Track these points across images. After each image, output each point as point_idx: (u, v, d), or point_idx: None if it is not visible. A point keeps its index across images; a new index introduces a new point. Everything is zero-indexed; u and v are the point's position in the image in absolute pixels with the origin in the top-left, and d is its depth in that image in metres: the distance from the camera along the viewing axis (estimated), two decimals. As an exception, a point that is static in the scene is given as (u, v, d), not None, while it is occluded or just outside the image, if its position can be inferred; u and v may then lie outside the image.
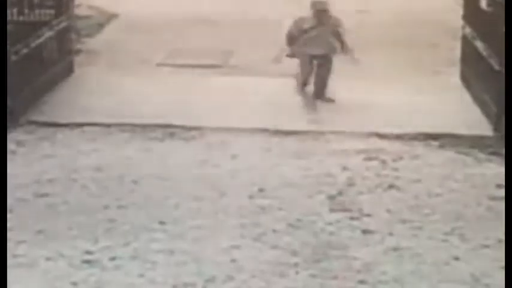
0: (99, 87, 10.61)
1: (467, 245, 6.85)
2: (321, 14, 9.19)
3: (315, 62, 9.46)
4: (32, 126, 9.27)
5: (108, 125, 9.26)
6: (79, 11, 13.23)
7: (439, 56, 11.79)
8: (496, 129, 9.04)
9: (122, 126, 9.24)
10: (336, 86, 10.60)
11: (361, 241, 6.90)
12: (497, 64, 9.01)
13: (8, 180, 7.00)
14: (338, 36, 9.35)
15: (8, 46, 8.66)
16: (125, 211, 7.36)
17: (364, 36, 12.63)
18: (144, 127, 9.23)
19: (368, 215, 7.20)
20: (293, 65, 11.82)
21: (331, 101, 9.49)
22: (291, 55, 9.47)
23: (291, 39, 9.36)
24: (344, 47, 9.39)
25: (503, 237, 6.56)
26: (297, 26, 9.34)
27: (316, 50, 9.30)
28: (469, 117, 9.59)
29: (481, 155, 8.59)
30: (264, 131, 9.15)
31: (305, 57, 9.35)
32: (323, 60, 9.44)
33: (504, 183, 6.88)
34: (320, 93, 9.53)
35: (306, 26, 9.25)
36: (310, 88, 9.90)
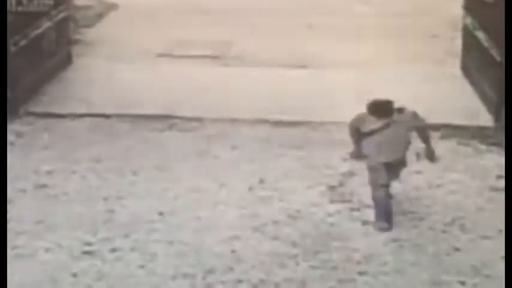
0: (98, 78, 10.58)
1: (467, 236, 6.84)
2: (385, 114, 6.68)
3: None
4: (31, 117, 9.25)
5: (108, 116, 9.24)
6: (78, 1, 13.19)
7: (440, 46, 11.76)
8: (496, 120, 9.01)
9: (121, 117, 9.22)
10: (335, 76, 10.59)
11: (361, 232, 6.89)
12: (498, 55, 8.97)
13: (7, 171, 6.98)
14: (423, 137, 6.88)
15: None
16: (124, 202, 7.34)
17: (365, 27, 12.61)
18: (144, 118, 9.20)
19: (368, 206, 7.17)
20: (293, 56, 11.84)
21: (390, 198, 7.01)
22: (357, 156, 7.04)
23: (357, 136, 6.93)
24: (429, 152, 6.93)
25: (503, 228, 6.55)
26: (362, 124, 6.84)
27: (390, 157, 6.73)
28: (469, 107, 9.57)
29: (482, 146, 8.56)
30: (264, 121, 9.12)
31: (377, 166, 6.78)
32: (397, 165, 6.91)
33: (504, 174, 6.86)
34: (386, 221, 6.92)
35: (373, 126, 6.70)
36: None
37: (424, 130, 6.85)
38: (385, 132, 6.68)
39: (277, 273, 6.29)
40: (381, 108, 6.66)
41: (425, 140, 6.87)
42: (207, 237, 6.77)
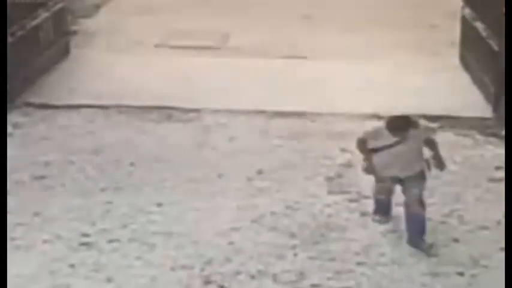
0: (95, 69, 10.55)
1: (466, 227, 6.84)
2: (403, 130, 6.47)
3: (397, 185, 6.72)
4: (29, 108, 9.22)
5: (105, 107, 9.21)
6: (75, -8, 13.14)
7: (439, 37, 11.73)
8: (495, 111, 9.01)
9: (119, 108, 9.19)
10: (334, 67, 10.57)
11: (359, 223, 6.88)
12: (496, 45, 8.96)
13: (5, 163, 6.97)
14: (430, 146, 6.68)
15: (2, 27, 8.58)
16: (122, 193, 7.33)
17: (364, 17, 12.57)
18: (142, 109, 9.18)
19: (366, 197, 7.17)
20: (292, 47, 11.81)
21: (431, 252, 6.55)
22: (370, 171, 6.75)
23: (366, 151, 6.70)
24: (437, 160, 6.67)
25: (502, 218, 6.56)
26: (373, 139, 6.64)
27: (398, 172, 6.57)
28: (468, 98, 9.55)
29: (480, 137, 8.55)
30: (262, 112, 9.10)
31: (383, 182, 6.72)
32: (410, 184, 6.58)
33: (504, 165, 6.85)
34: (417, 240, 6.57)
35: (385, 142, 6.54)
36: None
37: (431, 140, 6.72)
38: (398, 148, 6.50)
39: (276, 264, 6.29)
40: (398, 124, 6.49)
41: (433, 148, 6.69)
42: (205, 228, 6.76)
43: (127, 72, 10.35)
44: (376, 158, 6.61)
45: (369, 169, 6.72)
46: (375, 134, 6.66)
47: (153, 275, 6.16)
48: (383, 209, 6.87)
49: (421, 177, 6.59)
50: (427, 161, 6.66)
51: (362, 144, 6.72)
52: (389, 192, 6.78)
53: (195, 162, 7.93)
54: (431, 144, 6.70)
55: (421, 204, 6.55)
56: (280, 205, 7.13)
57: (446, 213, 7.01)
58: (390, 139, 6.51)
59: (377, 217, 6.86)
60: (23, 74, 9.53)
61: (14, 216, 6.80)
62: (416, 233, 6.54)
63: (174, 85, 9.93)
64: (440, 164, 6.72)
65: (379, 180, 6.74)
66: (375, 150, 6.60)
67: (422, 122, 6.81)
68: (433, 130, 6.97)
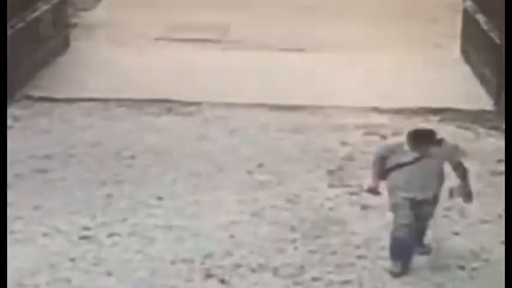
0: (95, 62, 10.53)
1: (467, 221, 6.82)
2: (425, 145, 5.88)
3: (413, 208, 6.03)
4: (29, 101, 9.21)
5: (105, 100, 9.19)
6: (75, -16, 13.10)
7: (440, 29, 11.70)
8: (496, 104, 8.98)
9: (119, 101, 9.17)
10: (334, 60, 10.54)
11: (360, 216, 6.87)
12: (498, 38, 8.93)
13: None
14: (460, 173, 6.03)
15: (2, 20, 8.55)
16: (122, 187, 7.31)
17: (364, 10, 12.54)
18: (142, 102, 9.16)
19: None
20: (292, 39, 11.77)
21: (427, 251, 6.27)
22: (375, 190, 6.14)
23: (381, 169, 6.05)
24: (464, 186, 6.05)
25: (503, 212, 6.53)
26: (391, 155, 5.99)
27: (417, 193, 5.93)
28: (469, 91, 9.54)
29: (482, 130, 8.54)
30: (263, 105, 9.08)
31: (401, 203, 5.99)
32: (427, 205, 6.06)
33: (504, 158, 6.83)
34: (417, 241, 6.18)
35: (404, 158, 5.90)
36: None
37: (461, 165, 6.03)
38: (417, 166, 5.88)
39: (276, 258, 6.28)
40: (420, 138, 5.90)
41: (462, 176, 6.04)
42: (205, 222, 6.75)
43: (127, 65, 10.32)
44: (392, 176, 5.98)
45: (373, 189, 6.13)
46: (397, 149, 6.02)
47: (153, 269, 6.15)
48: (402, 249, 6.02)
49: (434, 202, 6.03)
50: (451, 189, 6.02)
51: (378, 159, 6.09)
52: (410, 222, 5.95)
53: (195, 155, 7.91)
54: (462, 171, 6.01)
55: (421, 236, 6.14)
56: (281, 198, 7.11)
57: (448, 207, 6.98)
58: (410, 155, 5.89)
59: (396, 262, 6.02)
60: (22, 67, 9.50)
61: (14, 209, 6.79)
62: (419, 233, 6.14)
63: (174, 78, 9.90)
64: (468, 196, 6.08)
65: (395, 207, 6.00)
66: (392, 169, 5.98)
67: (450, 141, 6.21)
68: (463, 152, 6.33)
